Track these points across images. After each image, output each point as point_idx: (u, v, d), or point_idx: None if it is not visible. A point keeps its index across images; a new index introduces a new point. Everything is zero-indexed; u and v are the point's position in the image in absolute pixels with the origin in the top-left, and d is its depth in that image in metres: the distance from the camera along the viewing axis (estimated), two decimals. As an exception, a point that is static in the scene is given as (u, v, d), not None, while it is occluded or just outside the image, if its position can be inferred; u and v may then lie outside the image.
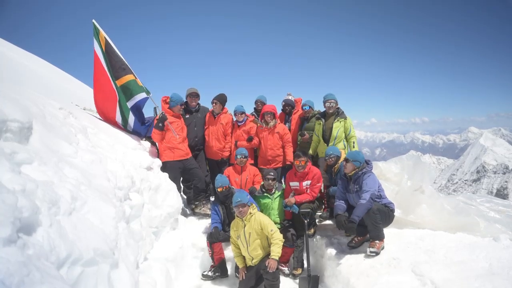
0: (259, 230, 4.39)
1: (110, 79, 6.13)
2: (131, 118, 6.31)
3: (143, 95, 6.15)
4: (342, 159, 5.34)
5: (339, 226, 4.47)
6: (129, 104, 6.15)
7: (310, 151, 6.23)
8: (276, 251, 4.22)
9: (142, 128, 6.55)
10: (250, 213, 4.44)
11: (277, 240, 4.27)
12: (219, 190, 5.12)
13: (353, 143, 5.93)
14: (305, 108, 6.49)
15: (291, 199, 5.12)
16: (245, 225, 4.44)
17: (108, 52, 6.04)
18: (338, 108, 6.06)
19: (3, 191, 2.19)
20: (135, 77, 6.10)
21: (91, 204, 3.24)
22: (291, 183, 5.38)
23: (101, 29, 6.05)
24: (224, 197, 5.13)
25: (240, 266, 4.68)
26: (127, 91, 6.10)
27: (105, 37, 6.04)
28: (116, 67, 6.07)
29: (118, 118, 6.30)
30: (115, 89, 6.13)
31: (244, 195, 4.49)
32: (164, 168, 5.99)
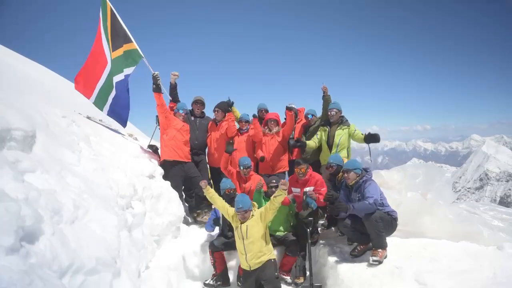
0: (259, 224, 4.34)
1: (106, 56, 6.51)
2: (111, 99, 6.57)
3: (129, 70, 6.38)
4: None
5: (342, 229, 4.49)
6: (118, 78, 6.42)
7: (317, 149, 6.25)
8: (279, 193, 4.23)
9: (122, 112, 6.74)
10: (252, 215, 4.41)
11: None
12: (226, 192, 5.13)
13: (360, 133, 5.88)
14: (309, 117, 6.52)
15: (313, 193, 5.08)
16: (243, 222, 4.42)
17: (113, 22, 6.38)
18: (341, 116, 6.08)
19: (7, 200, 2.20)
20: (136, 46, 6.34)
21: (94, 212, 3.25)
22: (293, 189, 5.41)
23: (108, 2, 6.38)
24: (229, 200, 5.12)
25: (208, 191, 4.75)
26: (121, 62, 6.36)
27: (111, 7, 6.37)
28: (117, 38, 6.38)
29: (93, 98, 6.69)
30: (106, 67, 6.52)
31: (246, 199, 4.44)
32: (166, 176, 6.00)
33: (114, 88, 6.49)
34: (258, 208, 4.57)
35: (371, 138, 5.66)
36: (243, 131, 6.61)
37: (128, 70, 6.36)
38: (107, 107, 6.65)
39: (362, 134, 5.83)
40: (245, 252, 4.37)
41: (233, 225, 4.53)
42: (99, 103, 6.69)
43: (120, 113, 6.74)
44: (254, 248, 4.33)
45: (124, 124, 6.92)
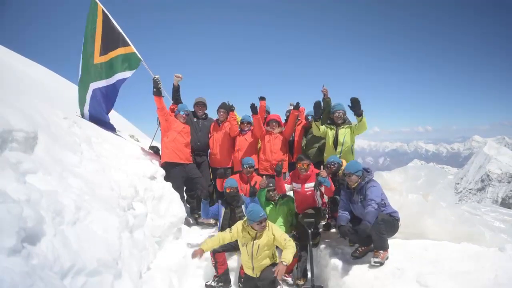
0: (270, 242, 4.24)
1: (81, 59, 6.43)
2: (88, 104, 6.39)
3: (125, 74, 6.23)
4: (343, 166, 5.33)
5: (344, 235, 4.39)
6: (102, 83, 6.29)
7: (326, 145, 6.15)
8: (288, 257, 3.99)
9: (103, 115, 6.53)
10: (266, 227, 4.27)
11: (291, 247, 4.07)
12: (227, 190, 5.13)
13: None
14: (309, 118, 6.52)
15: (324, 172, 5.07)
16: (256, 237, 4.26)
17: (105, 25, 6.23)
18: (346, 117, 6.12)
19: (9, 201, 2.20)
20: (133, 49, 6.21)
21: (95, 213, 3.24)
22: (294, 184, 5.47)
23: (99, 3, 6.25)
24: (231, 198, 5.14)
25: (205, 249, 4.32)
26: (113, 66, 6.23)
27: (103, 10, 6.22)
28: (109, 41, 6.24)
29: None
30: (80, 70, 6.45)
31: (260, 208, 4.32)
32: (167, 177, 6.01)
33: (88, 96, 6.35)
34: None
35: (354, 103, 5.54)
36: (244, 132, 6.62)
37: (122, 75, 6.22)
38: (86, 109, 6.48)
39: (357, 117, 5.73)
40: (253, 266, 4.35)
41: (241, 241, 4.38)
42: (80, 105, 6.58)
43: (100, 116, 6.52)
44: (263, 263, 4.32)
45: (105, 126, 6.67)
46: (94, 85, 6.31)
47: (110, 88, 6.29)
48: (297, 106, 6.33)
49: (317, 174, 5.14)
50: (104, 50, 6.25)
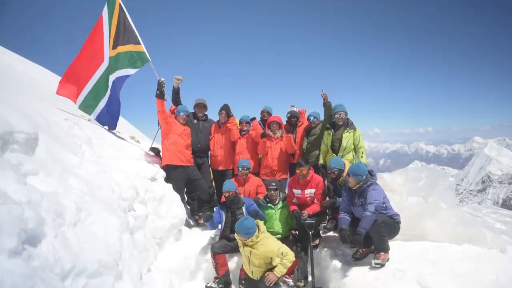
0: (263, 256, 4.27)
1: (104, 55, 6.29)
2: (105, 102, 6.35)
3: (128, 71, 6.20)
4: (346, 170, 5.31)
5: (344, 241, 4.40)
6: (114, 75, 6.24)
7: (321, 161, 6.19)
8: (281, 269, 4.18)
9: (109, 115, 6.52)
10: (256, 239, 4.26)
11: (287, 262, 4.21)
12: (225, 195, 5.13)
13: (362, 153, 5.90)
14: (311, 119, 6.49)
15: (305, 214, 5.08)
16: (246, 245, 4.34)
17: (119, 20, 6.21)
18: (347, 118, 6.07)
19: (9, 202, 2.20)
20: (143, 48, 6.18)
21: (96, 215, 3.25)
22: (294, 190, 5.43)
23: None
24: (230, 202, 5.14)
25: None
26: (120, 61, 6.20)
27: (120, 4, 6.21)
28: (121, 35, 6.22)
29: (80, 100, 6.41)
30: (101, 66, 6.31)
31: (247, 225, 4.25)
32: (168, 178, 6.01)
33: (109, 89, 6.28)
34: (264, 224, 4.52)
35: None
36: (244, 133, 6.62)
37: (125, 71, 6.20)
38: (97, 110, 6.40)
39: (361, 155, 5.96)
40: (251, 269, 4.44)
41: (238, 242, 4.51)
42: (87, 107, 6.43)
43: (111, 116, 6.55)
44: (261, 268, 4.38)
45: (114, 127, 6.71)
46: (113, 76, 6.28)
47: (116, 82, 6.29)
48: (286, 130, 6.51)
49: (298, 213, 5.13)
50: (115, 44, 6.23)
